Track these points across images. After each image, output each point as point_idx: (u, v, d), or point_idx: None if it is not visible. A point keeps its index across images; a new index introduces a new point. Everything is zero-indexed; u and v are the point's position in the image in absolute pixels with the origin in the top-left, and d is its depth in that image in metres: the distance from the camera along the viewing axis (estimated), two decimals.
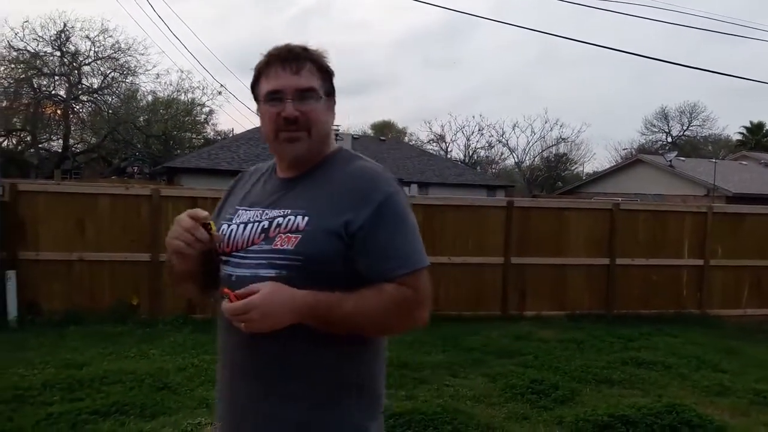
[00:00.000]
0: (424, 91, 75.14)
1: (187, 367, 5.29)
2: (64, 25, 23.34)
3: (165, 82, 37.51)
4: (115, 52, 24.54)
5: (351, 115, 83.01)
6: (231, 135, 29.85)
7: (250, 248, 1.41)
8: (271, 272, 1.35)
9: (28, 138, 25.34)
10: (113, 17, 31.63)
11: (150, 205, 7.32)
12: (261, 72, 1.47)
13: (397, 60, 78.11)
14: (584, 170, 42.80)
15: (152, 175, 25.42)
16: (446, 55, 77.76)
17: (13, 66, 22.69)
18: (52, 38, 23.37)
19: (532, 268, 8.36)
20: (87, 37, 23.93)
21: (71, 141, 25.62)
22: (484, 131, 43.26)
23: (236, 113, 57.83)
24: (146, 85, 27.24)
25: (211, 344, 6.17)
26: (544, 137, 40.62)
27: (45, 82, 24.25)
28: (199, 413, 4.25)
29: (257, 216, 1.45)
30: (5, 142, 25.08)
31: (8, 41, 21.95)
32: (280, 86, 1.42)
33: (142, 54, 25.12)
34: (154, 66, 25.43)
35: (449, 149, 42.42)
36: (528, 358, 6.10)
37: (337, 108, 1.55)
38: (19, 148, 24.51)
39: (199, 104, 28.54)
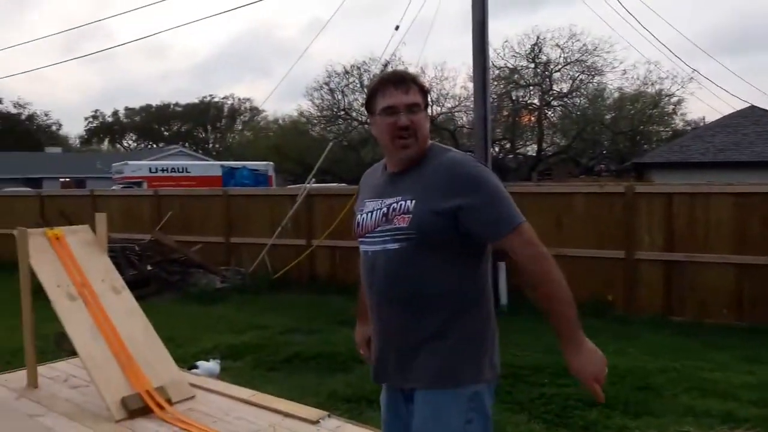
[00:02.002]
0: None
1: (669, 370, 5.09)
2: (537, 38, 25.49)
3: (632, 77, 36.84)
4: (583, 55, 25.49)
5: None
6: (702, 123, 27.47)
7: (376, 230, 1.84)
8: (395, 245, 1.79)
9: (507, 145, 28.56)
10: (580, 22, 32.94)
11: (623, 203, 7.33)
12: (376, 91, 1.86)
13: None
14: None
15: (619, 173, 25.41)
16: None
17: (495, 83, 25.90)
18: (526, 52, 25.82)
19: None
20: (557, 45, 25.54)
21: (543, 144, 27.75)
22: None
23: (710, 98, 52.68)
24: (613, 82, 27.30)
25: (694, 350, 5.82)
26: None
27: (521, 93, 26.94)
28: (687, 421, 4.03)
29: (378, 205, 1.86)
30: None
31: (491, 61, 25.22)
32: (395, 102, 1.81)
33: (608, 52, 25.32)
34: (621, 62, 25.40)
35: None
36: None
37: None
38: (500, 155, 27.81)
39: (667, 95, 27.18)
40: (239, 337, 6.43)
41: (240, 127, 58.45)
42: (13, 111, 50.66)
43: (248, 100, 57.63)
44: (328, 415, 3.29)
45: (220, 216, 10.24)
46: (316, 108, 30.29)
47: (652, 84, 26.78)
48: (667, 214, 7.11)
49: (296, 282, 9.11)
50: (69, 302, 3.81)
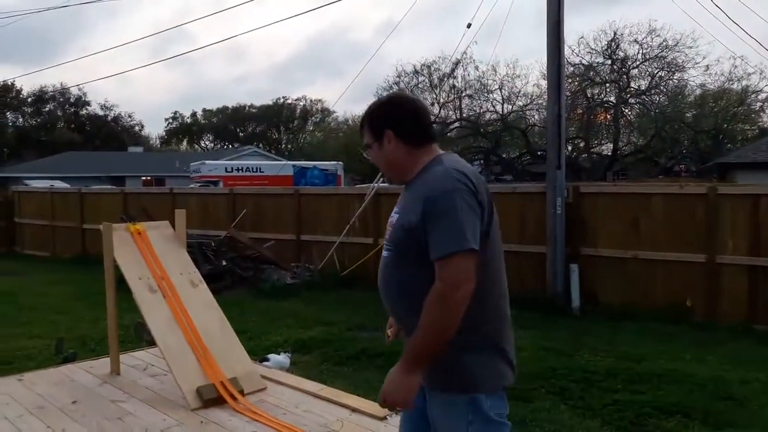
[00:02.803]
0: None
1: (752, 381, 4.82)
2: (614, 34, 24.64)
3: (715, 73, 35.02)
4: (662, 51, 24.45)
5: None
6: None
7: (386, 235, 1.94)
8: (386, 254, 1.90)
9: (581, 144, 27.76)
10: (660, 16, 31.52)
11: (705, 204, 6.99)
12: None
13: None
14: None
15: (700, 173, 24.25)
16: None
17: (569, 80, 25.24)
18: (603, 48, 25.01)
19: None
20: (635, 41, 24.60)
21: (619, 143, 26.81)
22: None
23: None
24: (695, 79, 25.88)
25: None
26: None
27: (597, 91, 26.11)
28: None
29: (394, 212, 1.93)
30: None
31: (566, 58, 24.57)
32: None
33: (690, 47, 24.19)
34: (704, 57, 24.04)
35: None
36: None
37: None
38: (574, 154, 27.05)
39: (755, 91, 25.69)
40: (308, 332, 6.55)
41: (311, 128, 59.52)
42: (100, 113, 53.59)
43: (320, 101, 58.65)
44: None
45: (291, 214, 10.46)
46: None
47: (738, 80, 25.38)
48: (752, 216, 6.71)
49: (363, 279, 9.19)
50: (149, 294, 4.00)
